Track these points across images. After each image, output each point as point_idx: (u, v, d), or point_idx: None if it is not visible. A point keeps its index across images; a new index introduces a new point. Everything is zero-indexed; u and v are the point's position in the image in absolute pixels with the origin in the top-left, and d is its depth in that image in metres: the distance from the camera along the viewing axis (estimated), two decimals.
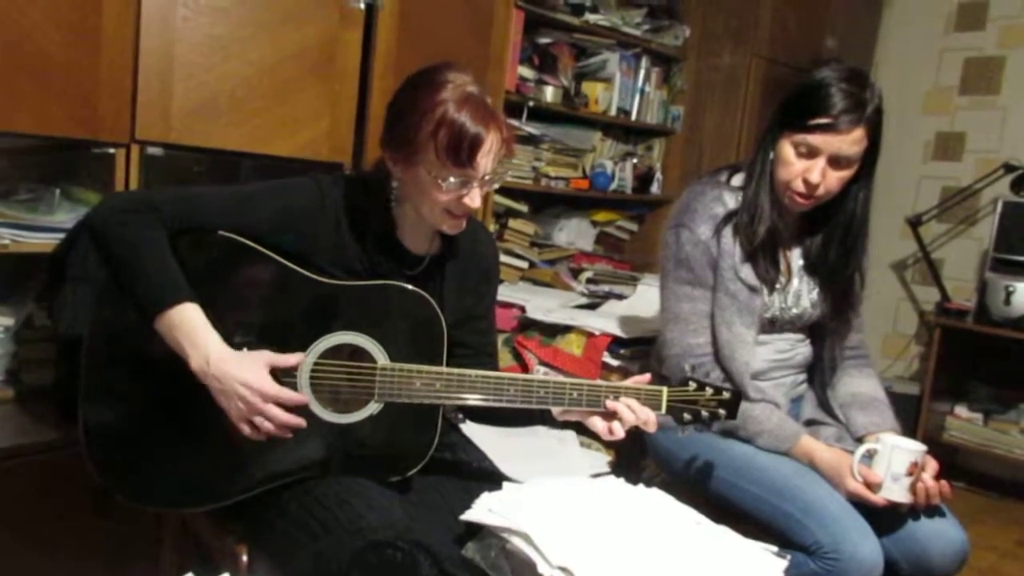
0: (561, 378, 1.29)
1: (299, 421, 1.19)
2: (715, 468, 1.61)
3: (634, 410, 1.26)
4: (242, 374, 1.14)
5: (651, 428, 1.27)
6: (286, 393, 1.18)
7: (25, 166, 1.75)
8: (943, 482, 1.49)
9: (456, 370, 1.25)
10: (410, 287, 1.27)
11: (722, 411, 1.32)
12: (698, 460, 1.64)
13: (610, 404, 1.26)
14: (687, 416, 1.32)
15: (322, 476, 1.23)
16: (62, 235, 1.51)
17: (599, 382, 1.29)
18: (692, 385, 1.33)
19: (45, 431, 1.53)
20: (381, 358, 1.24)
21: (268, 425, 1.16)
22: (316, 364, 1.23)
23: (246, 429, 1.17)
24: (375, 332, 1.25)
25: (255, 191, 1.28)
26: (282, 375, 1.21)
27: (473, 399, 1.25)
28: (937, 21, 3.59)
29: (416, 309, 1.27)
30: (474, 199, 1.24)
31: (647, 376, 1.33)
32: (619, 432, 1.26)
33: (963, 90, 3.53)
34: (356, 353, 1.25)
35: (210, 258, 1.23)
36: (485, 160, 1.22)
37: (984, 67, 3.47)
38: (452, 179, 1.21)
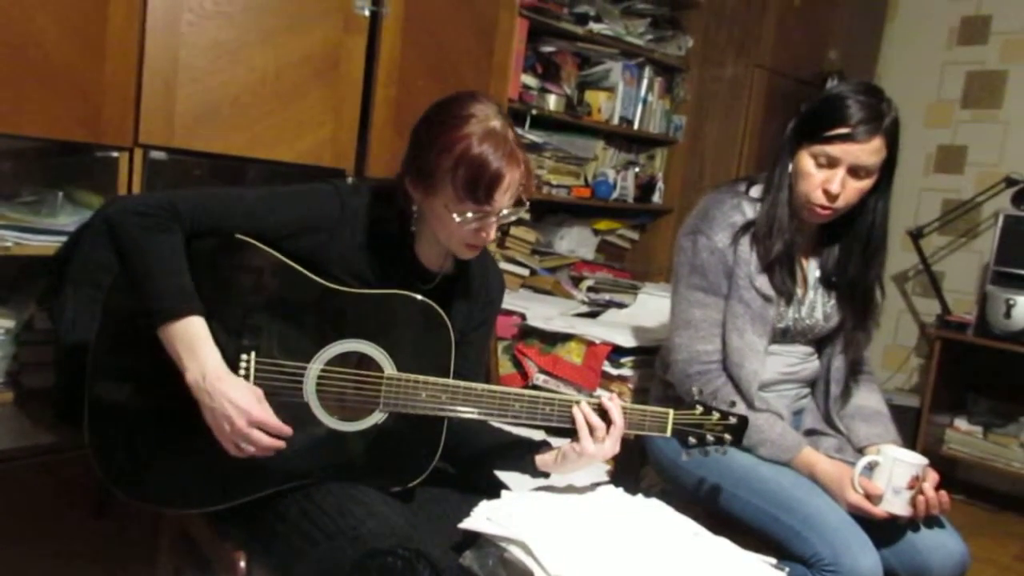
0: (566, 395, 1.27)
1: (280, 444, 1.18)
2: (715, 479, 1.61)
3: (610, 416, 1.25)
4: (233, 394, 1.14)
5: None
6: (272, 420, 1.17)
7: (28, 169, 1.76)
8: (942, 492, 1.49)
9: (463, 383, 1.24)
10: (420, 297, 1.26)
11: (728, 436, 1.32)
12: (698, 470, 1.64)
13: (577, 416, 1.24)
14: (692, 440, 1.31)
15: (324, 483, 1.22)
16: (64, 238, 1.51)
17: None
18: (699, 408, 1.32)
19: (44, 434, 1.52)
20: (388, 367, 1.24)
21: (250, 448, 1.16)
22: (323, 371, 1.23)
23: (230, 448, 1.17)
24: (384, 341, 1.24)
25: (275, 195, 1.28)
26: (288, 381, 1.22)
27: (478, 413, 1.24)
28: (940, 34, 3.60)
29: (425, 320, 1.26)
30: (490, 233, 1.24)
31: None
32: (608, 445, 1.25)
33: (965, 103, 3.54)
34: (364, 361, 1.24)
35: (224, 260, 1.23)
36: (503, 197, 1.21)
37: (986, 81, 3.48)
38: (469, 214, 1.21)
